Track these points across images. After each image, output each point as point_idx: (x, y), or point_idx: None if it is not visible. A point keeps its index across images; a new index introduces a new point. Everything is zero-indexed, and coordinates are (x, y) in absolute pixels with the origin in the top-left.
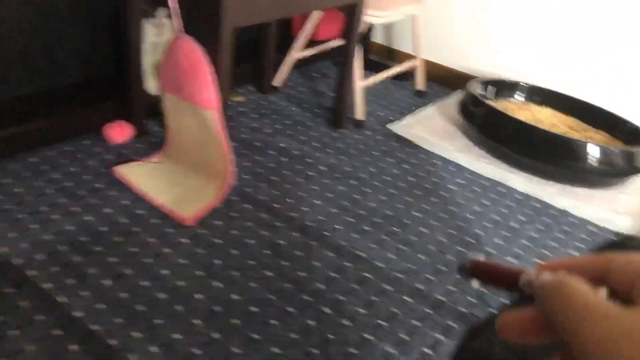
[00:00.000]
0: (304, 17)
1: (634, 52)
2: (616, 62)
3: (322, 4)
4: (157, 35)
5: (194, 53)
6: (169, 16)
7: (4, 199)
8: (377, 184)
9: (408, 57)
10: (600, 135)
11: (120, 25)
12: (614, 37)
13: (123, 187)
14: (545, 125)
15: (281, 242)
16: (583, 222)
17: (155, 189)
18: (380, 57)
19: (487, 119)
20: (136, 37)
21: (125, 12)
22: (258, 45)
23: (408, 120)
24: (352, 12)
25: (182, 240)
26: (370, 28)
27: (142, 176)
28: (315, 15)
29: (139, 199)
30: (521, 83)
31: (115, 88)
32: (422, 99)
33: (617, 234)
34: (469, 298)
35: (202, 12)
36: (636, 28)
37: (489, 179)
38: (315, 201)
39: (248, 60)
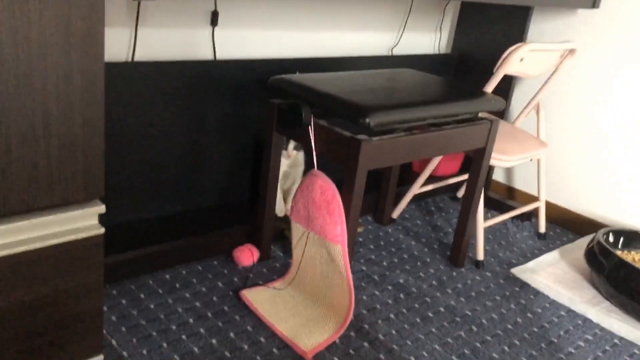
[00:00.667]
0: None
1: None
2: None
3: (450, 149)
4: (289, 165)
5: (328, 190)
6: (299, 148)
7: (139, 314)
8: (499, 332)
9: (528, 196)
10: None
11: (259, 155)
12: None
13: (247, 311)
14: None
15: None
16: None
17: (276, 317)
18: (500, 195)
19: (618, 271)
20: (274, 167)
21: (266, 145)
22: (380, 178)
23: (531, 264)
24: (479, 156)
25: None
26: (490, 167)
27: (265, 302)
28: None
29: (261, 325)
30: None
31: (247, 213)
32: (543, 242)
33: None
34: None
35: (339, 154)
36: None
37: (621, 338)
38: (435, 346)
39: (368, 191)
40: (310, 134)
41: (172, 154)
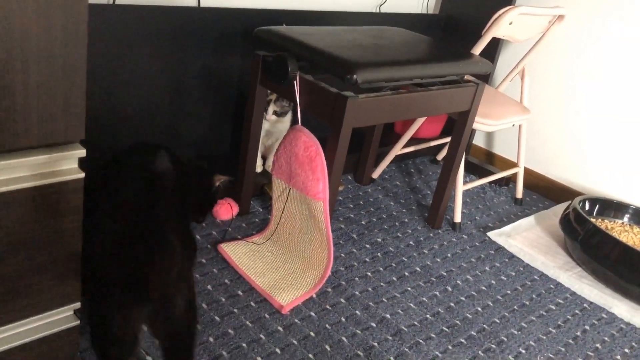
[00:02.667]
0: None
1: None
2: None
3: (435, 110)
4: (271, 124)
5: (312, 147)
6: (279, 114)
7: None
8: (473, 293)
9: (507, 162)
10: None
11: (241, 108)
12: None
13: (225, 264)
14: None
15: (375, 344)
16: None
17: (254, 271)
18: (479, 160)
19: (591, 238)
20: (256, 121)
21: (249, 98)
22: (362, 138)
23: (506, 228)
24: (462, 119)
25: (278, 327)
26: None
27: (244, 256)
28: (423, 117)
29: (239, 279)
30: (630, 205)
31: (227, 166)
32: (519, 207)
33: None
34: None
35: (324, 110)
36: None
37: (590, 303)
38: (410, 304)
39: (350, 151)
40: (296, 88)
41: (151, 103)
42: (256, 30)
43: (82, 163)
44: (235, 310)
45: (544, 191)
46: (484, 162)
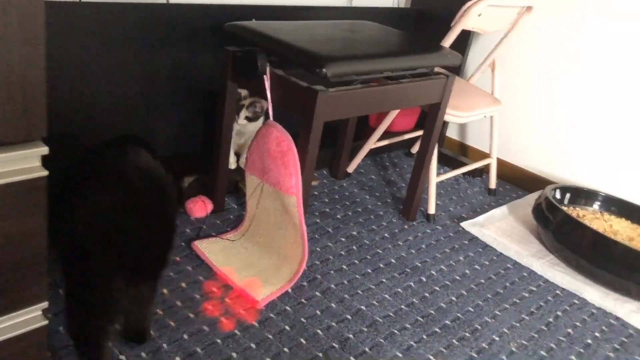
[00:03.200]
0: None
1: None
2: None
3: (406, 103)
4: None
5: (284, 141)
6: (251, 119)
7: None
8: (448, 283)
9: (480, 154)
10: None
11: (213, 105)
12: None
13: (199, 262)
14: (621, 238)
15: (350, 335)
16: None
17: (229, 267)
18: (453, 152)
19: (563, 226)
20: (228, 118)
21: (220, 94)
22: (337, 132)
23: (480, 219)
24: (433, 111)
25: (253, 323)
26: (444, 124)
27: (218, 253)
28: (395, 110)
29: (213, 276)
30: (599, 192)
31: (200, 164)
32: (493, 197)
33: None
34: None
35: (295, 105)
36: None
37: (563, 289)
38: (385, 295)
39: (325, 145)
40: (266, 83)
41: (121, 102)
42: (226, 25)
43: (46, 161)
44: (210, 306)
45: (517, 181)
46: (457, 154)
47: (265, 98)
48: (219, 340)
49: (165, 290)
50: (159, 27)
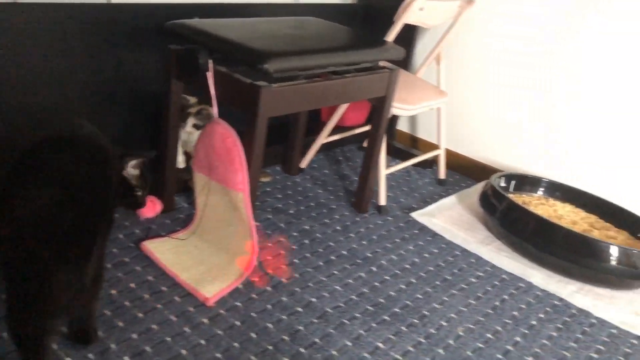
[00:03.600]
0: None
1: None
2: (637, 164)
3: (351, 97)
4: (193, 131)
5: (229, 138)
6: (200, 127)
7: None
8: (397, 272)
9: (431, 146)
10: (623, 236)
11: (160, 105)
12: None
13: (149, 262)
14: (565, 222)
15: (300, 327)
16: (604, 324)
17: (179, 266)
18: (404, 144)
19: (508, 213)
20: (174, 117)
21: (165, 93)
22: (288, 128)
23: (429, 208)
24: (380, 104)
25: (203, 320)
26: (395, 117)
27: (168, 252)
28: (344, 104)
29: (163, 275)
30: (543, 178)
31: (148, 164)
32: (442, 187)
33: None
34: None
35: (239, 101)
36: None
37: (509, 274)
38: (336, 287)
39: (277, 142)
40: (209, 81)
41: (64, 103)
42: (167, 24)
43: None
44: (159, 305)
45: (466, 171)
46: (409, 146)
47: (210, 94)
48: (168, 339)
49: (113, 291)
50: (101, 28)
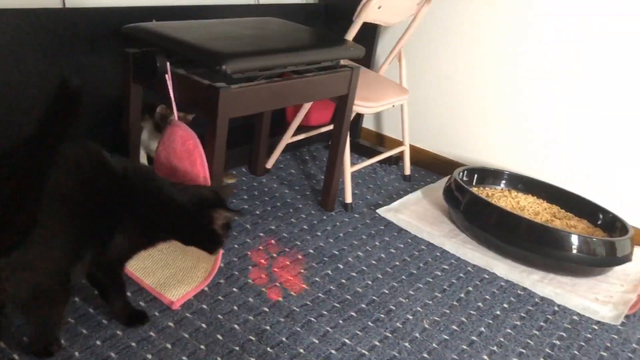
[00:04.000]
0: (297, 104)
1: (613, 145)
2: (598, 153)
3: (312, 97)
4: (154, 128)
5: (189, 140)
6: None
7: None
8: (364, 268)
9: (396, 142)
10: (583, 224)
11: (121, 109)
12: (597, 130)
13: None
14: (528, 213)
15: (267, 327)
16: (566, 311)
17: (143, 271)
18: (370, 142)
19: (472, 206)
20: (134, 120)
21: (124, 97)
22: (253, 129)
23: (395, 204)
24: (342, 103)
25: (168, 323)
26: (360, 115)
27: None
28: (307, 104)
29: (127, 281)
30: (505, 171)
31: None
32: (408, 183)
33: None
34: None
35: (198, 103)
36: (618, 123)
37: (474, 266)
38: (302, 285)
39: (242, 143)
40: (168, 84)
41: (19, 110)
42: (124, 28)
43: None
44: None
45: (431, 166)
46: (375, 144)
47: (168, 97)
48: (133, 344)
49: (77, 299)
50: (58, 33)
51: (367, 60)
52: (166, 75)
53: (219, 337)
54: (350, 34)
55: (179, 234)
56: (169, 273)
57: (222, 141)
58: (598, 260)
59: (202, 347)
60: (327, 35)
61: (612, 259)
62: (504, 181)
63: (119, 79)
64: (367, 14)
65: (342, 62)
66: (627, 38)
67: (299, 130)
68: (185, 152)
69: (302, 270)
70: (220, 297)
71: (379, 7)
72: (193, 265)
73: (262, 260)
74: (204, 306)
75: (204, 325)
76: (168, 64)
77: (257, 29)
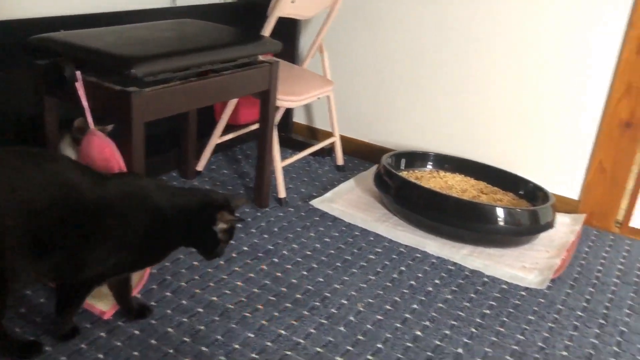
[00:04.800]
0: (224, 103)
1: (530, 119)
2: (517, 128)
3: (232, 94)
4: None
5: (106, 148)
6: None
7: None
8: (299, 259)
9: (328, 134)
10: (508, 197)
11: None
12: (513, 107)
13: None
14: (456, 191)
15: (202, 327)
16: (495, 281)
17: None
18: (303, 136)
19: (401, 189)
20: (52, 134)
21: (40, 111)
22: (180, 132)
23: (328, 195)
24: (265, 98)
25: (100, 334)
26: (290, 110)
27: None
28: (233, 102)
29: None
30: (431, 153)
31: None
32: (342, 173)
33: None
34: None
35: (112, 109)
36: (540, 100)
37: (406, 246)
38: (237, 283)
39: (171, 147)
40: (79, 92)
41: None
42: (29, 39)
43: None
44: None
45: (364, 155)
46: (307, 137)
47: (81, 106)
48: (63, 358)
49: (7, 316)
50: None
51: (291, 55)
52: (77, 84)
53: (153, 341)
54: (267, 30)
55: (180, 235)
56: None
57: (139, 146)
58: (522, 229)
59: (135, 353)
60: (243, 33)
61: (536, 227)
62: (431, 163)
63: (31, 92)
64: (281, 9)
65: (263, 58)
66: (521, 15)
67: (229, 130)
68: (103, 160)
69: (236, 269)
70: (153, 303)
71: (293, 1)
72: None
73: (195, 263)
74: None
75: (137, 332)
76: (78, 72)
77: (172, 31)
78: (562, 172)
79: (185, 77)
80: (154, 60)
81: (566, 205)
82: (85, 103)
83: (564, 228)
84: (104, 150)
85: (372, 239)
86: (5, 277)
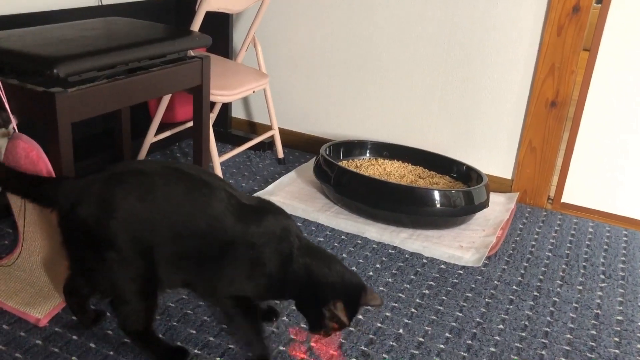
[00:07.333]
0: (158, 101)
1: (464, 104)
2: (450, 114)
3: (162, 91)
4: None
5: (32, 151)
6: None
7: None
8: None
9: (268, 128)
10: (445, 180)
11: None
12: (446, 93)
13: None
14: (394, 177)
15: None
16: (434, 262)
17: (5, 294)
18: (243, 131)
19: (340, 179)
20: None
21: None
22: (113, 133)
23: (269, 188)
24: (197, 94)
25: (36, 341)
26: (228, 105)
27: None
28: (166, 99)
29: None
30: (368, 141)
31: None
32: (282, 166)
33: None
34: (331, 352)
35: (36, 112)
36: (463, 85)
37: (347, 234)
38: None
39: (105, 148)
40: (1, 95)
41: None
42: None
43: None
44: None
45: (304, 147)
46: (247, 132)
47: (4, 110)
48: None
49: None
50: None
51: (225, 50)
52: None
53: (92, 345)
54: (195, 25)
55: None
56: (34, 291)
57: (67, 149)
58: (458, 210)
59: (74, 358)
60: (171, 29)
61: (470, 207)
62: (369, 151)
63: None
64: (209, 3)
65: (195, 53)
66: None
67: (165, 128)
68: (30, 164)
69: None
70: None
71: None
72: (60, 279)
73: None
74: (75, 318)
75: (74, 337)
76: None
77: (97, 30)
78: (495, 153)
79: (112, 76)
80: (77, 59)
81: (501, 185)
82: (8, 107)
83: (499, 207)
84: (30, 154)
85: (314, 228)
86: (155, 286)
